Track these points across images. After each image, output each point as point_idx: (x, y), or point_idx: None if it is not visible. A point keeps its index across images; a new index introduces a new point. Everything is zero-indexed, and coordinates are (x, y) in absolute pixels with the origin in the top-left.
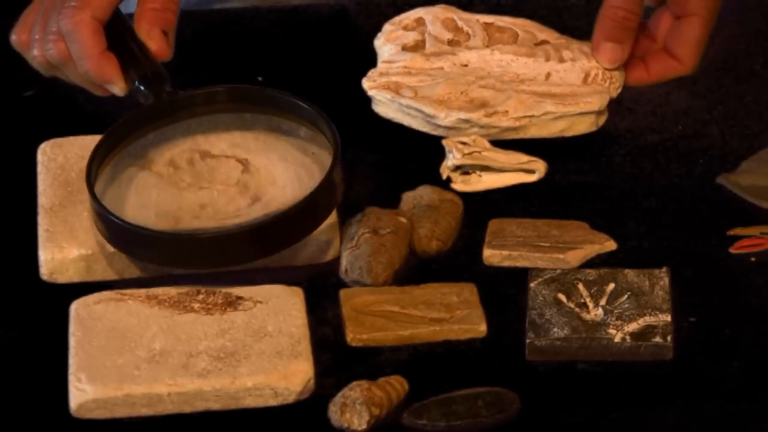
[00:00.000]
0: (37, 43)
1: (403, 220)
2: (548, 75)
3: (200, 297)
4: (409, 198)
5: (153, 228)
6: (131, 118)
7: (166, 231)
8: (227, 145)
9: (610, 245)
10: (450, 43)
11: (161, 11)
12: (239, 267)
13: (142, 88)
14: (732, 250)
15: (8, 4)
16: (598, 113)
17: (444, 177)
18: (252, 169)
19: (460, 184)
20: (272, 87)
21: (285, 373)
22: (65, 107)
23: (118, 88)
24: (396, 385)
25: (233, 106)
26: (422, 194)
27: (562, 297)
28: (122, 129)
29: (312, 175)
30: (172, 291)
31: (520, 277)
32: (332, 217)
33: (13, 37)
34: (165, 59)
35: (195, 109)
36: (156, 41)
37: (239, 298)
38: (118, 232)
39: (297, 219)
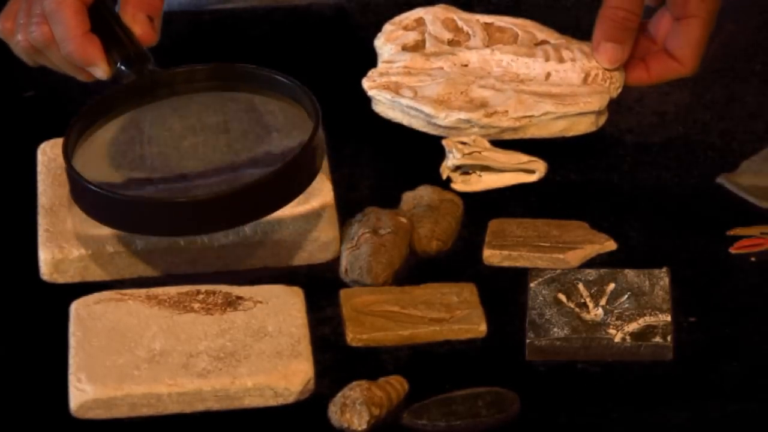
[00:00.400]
0: (21, 28)
1: (403, 220)
2: (548, 75)
3: (200, 297)
4: (409, 198)
5: (126, 192)
6: (111, 94)
7: (138, 195)
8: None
9: (610, 245)
10: (450, 43)
11: None
12: (211, 233)
13: (123, 68)
14: (732, 250)
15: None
16: (598, 113)
17: (444, 177)
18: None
19: (460, 184)
20: (252, 64)
21: (285, 373)
22: (65, 107)
23: (101, 71)
24: (396, 385)
25: (214, 84)
26: (422, 194)
27: (562, 297)
28: (101, 105)
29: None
30: (172, 291)
31: (520, 277)
32: (332, 217)
33: None
34: (150, 45)
35: (176, 88)
36: (141, 25)
37: (239, 298)
38: (87, 196)
39: (275, 185)
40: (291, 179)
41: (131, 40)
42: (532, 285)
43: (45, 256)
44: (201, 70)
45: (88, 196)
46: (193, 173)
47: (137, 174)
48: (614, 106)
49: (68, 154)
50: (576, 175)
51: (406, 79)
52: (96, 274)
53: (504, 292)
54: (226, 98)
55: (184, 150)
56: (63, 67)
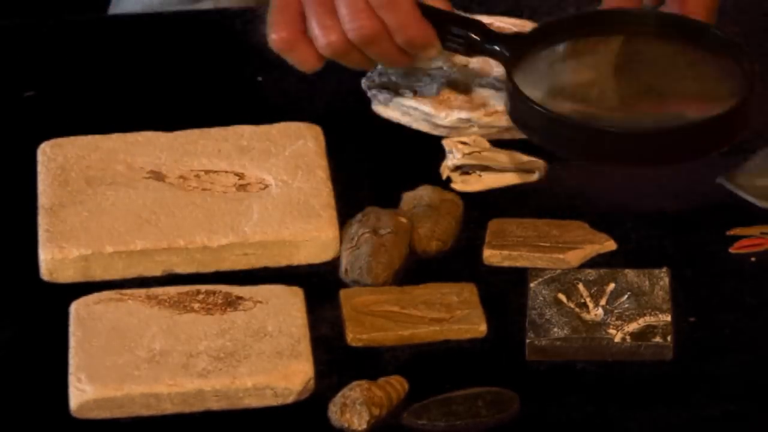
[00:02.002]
0: (324, 30)
1: (403, 220)
2: None
3: (200, 297)
4: (409, 198)
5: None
6: (557, 22)
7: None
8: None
9: (610, 245)
10: None
11: None
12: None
13: (495, 47)
14: (732, 250)
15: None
16: None
17: (444, 177)
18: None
19: (460, 184)
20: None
21: (285, 373)
22: (65, 107)
23: (436, 50)
24: (396, 385)
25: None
26: (422, 194)
27: (562, 297)
28: (547, 30)
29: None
30: (172, 291)
31: (520, 277)
32: (332, 217)
33: (275, 37)
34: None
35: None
36: (442, 2)
37: (239, 298)
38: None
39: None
40: (734, 121)
41: (453, 15)
42: (532, 285)
43: (45, 256)
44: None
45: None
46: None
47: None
48: None
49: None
50: (576, 175)
51: (405, 79)
52: (96, 274)
53: (504, 292)
54: (665, 46)
55: (622, 87)
56: (381, 59)
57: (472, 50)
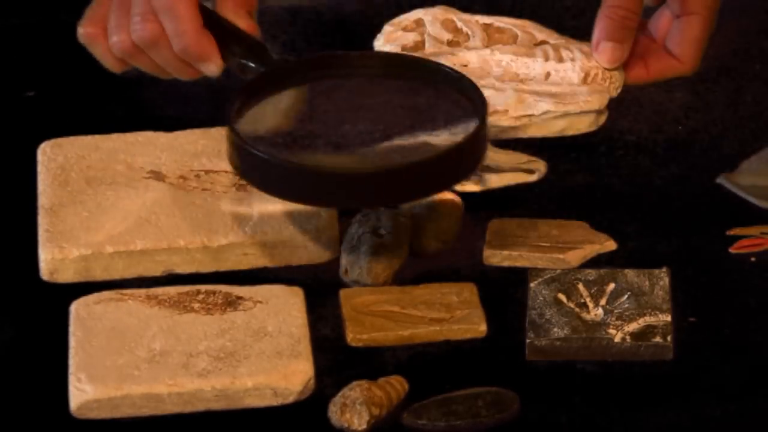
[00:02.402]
0: (118, 28)
1: (403, 220)
2: (548, 75)
3: (200, 297)
4: None
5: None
6: (267, 74)
7: (304, 164)
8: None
9: (610, 245)
10: (449, 44)
11: None
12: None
13: (245, 62)
14: (732, 250)
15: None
16: (598, 112)
17: None
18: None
19: (460, 184)
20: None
21: (285, 373)
22: (65, 107)
23: (215, 66)
24: (396, 385)
25: (366, 70)
26: None
27: (562, 297)
28: (257, 83)
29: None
30: (172, 291)
31: (520, 277)
32: (332, 217)
33: (82, 30)
34: (256, 36)
35: (332, 71)
36: (244, 20)
37: (239, 298)
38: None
39: (447, 163)
40: (458, 161)
41: (240, 35)
42: (532, 285)
43: (45, 256)
44: (349, 56)
45: (253, 163)
46: (353, 147)
47: (298, 145)
48: (614, 105)
49: (232, 120)
50: (576, 175)
51: None
52: (96, 274)
53: (504, 292)
54: (383, 84)
55: (343, 129)
56: (166, 67)
57: (238, 65)
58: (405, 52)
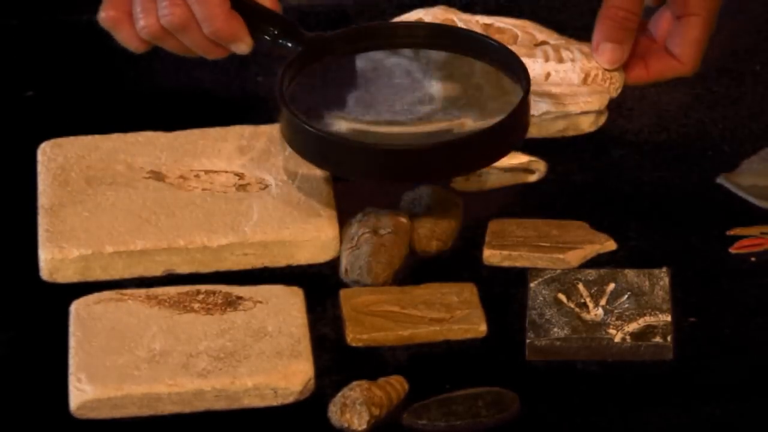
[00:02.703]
0: (143, 13)
1: (403, 220)
2: (548, 75)
3: (200, 297)
4: (409, 198)
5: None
6: (317, 41)
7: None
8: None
9: (610, 245)
10: None
11: None
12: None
13: (285, 42)
14: (732, 250)
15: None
16: (598, 113)
17: None
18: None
19: (460, 184)
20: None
21: (285, 373)
22: (65, 107)
23: (246, 45)
24: (396, 385)
25: (420, 41)
26: (422, 194)
27: (562, 297)
28: (307, 54)
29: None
30: (172, 291)
31: (520, 277)
32: (332, 217)
33: (103, 14)
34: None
35: (377, 42)
36: (269, 0)
37: (239, 298)
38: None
39: (493, 138)
40: (505, 134)
41: (272, 14)
42: (532, 285)
43: (45, 256)
44: (390, 26)
45: (306, 138)
46: (403, 122)
47: (349, 118)
48: (614, 105)
49: (283, 95)
50: (576, 175)
51: None
52: (96, 274)
53: (504, 292)
54: (432, 56)
55: (392, 100)
56: (196, 49)
57: (274, 44)
58: (443, 23)
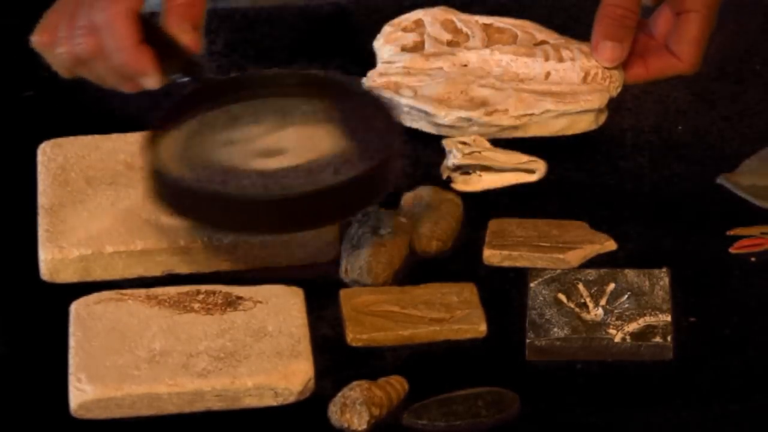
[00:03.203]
0: (64, 40)
1: (403, 220)
2: (548, 74)
3: (200, 297)
4: (409, 198)
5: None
6: (188, 95)
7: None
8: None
9: (610, 245)
10: (449, 44)
11: (189, 6)
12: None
13: (179, 77)
14: (732, 250)
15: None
16: (598, 112)
17: (444, 177)
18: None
19: (460, 184)
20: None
21: (285, 373)
22: (65, 107)
23: (153, 80)
24: (396, 385)
25: (288, 90)
26: (422, 194)
27: (562, 297)
28: (180, 106)
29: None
30: (172, 291)
31: (520, 277)
32: None
33: (35, 38)
34: (196, 54)
35: (257, 90)
36: (188, 35)
37: (239, 298)
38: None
39: (360, 187)
40: (372, 183)
41: (180, 50)
42: (532, 285)
43: (45, 256)
44: (274, 75)
45: (171, 192)
46: (270, 172)
47: (216, 170)
48: (614, 105)
49: (151, 151)
50: (576, 175)
51: (405, 79)
52: (96, 274)
53: (504, 292)
54: (298, 103)
55: (262, 151)
56: (107, 79)
57: (177, 79)
58: (319, 72)
